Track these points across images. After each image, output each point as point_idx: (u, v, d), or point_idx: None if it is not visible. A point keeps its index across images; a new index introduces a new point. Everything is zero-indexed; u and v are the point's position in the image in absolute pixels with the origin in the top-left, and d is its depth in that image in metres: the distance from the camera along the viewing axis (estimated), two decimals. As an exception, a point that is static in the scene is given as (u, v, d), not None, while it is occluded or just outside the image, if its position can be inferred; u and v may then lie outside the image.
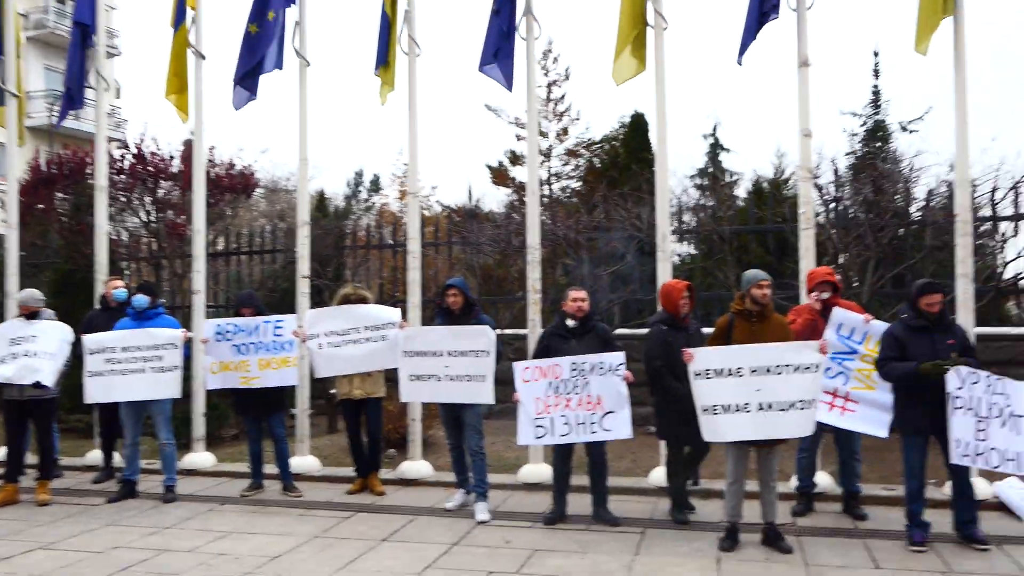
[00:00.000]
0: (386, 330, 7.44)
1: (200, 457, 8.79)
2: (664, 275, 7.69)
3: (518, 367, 6.56)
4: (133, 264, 13.26)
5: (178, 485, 7.68)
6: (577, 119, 18.95)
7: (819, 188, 9.90)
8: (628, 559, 5.62)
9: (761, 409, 5.71)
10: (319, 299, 9.83)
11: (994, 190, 10.01)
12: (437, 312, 7.37)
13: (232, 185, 12.99)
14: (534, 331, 7.97)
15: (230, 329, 7.76)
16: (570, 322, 6.57)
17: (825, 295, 6.55)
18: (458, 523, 6.62)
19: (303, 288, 8.75)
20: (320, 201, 18.90)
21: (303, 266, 8.78)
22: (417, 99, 8.46)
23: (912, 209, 10.80)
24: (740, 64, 7.69)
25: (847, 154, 16.24)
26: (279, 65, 8.82)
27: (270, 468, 7.90)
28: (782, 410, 5.70)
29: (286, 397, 8.13)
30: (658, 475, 7.53)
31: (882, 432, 6.47)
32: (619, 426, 6.25)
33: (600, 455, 6.60)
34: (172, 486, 7.60)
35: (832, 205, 10.69)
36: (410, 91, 8.47)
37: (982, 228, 10.47)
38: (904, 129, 16.12)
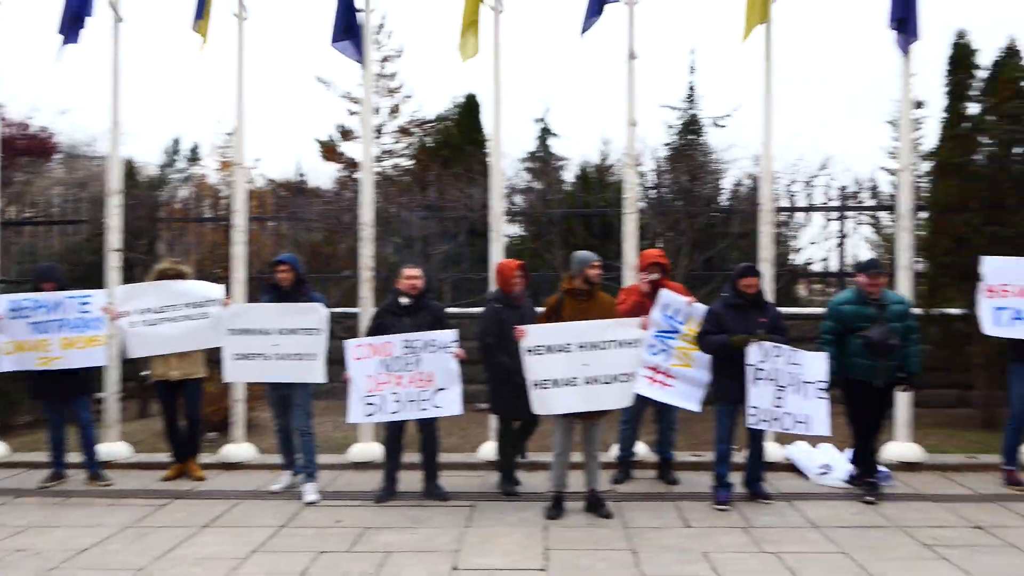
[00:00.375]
0: (207, 307, 7.06)
1: (-11, 447, 7.97)
2: (497, 255, 7.85)
3: (350, 345, 6.46)
4: None
5: (-37, 478, 6.93)
6: (410, 97, 18.78)
7: (641, 175, 10.44)
8: (458, 532, 5.73)
9: (587, 383, 5.99)
10: (130, 275, 9.13)
11: (791, 183, 11.04)
12: (265, 289, 7.11)
13: (28, 148, 11.81)
14: (366, 309, 7.88)
15: (27, 305, 7.05)
16: (404, 300, 6.55)
17: (654, 276, 6.96)
18: (286, 505, 6.45)
19: (113, 262, 8.11)
20: (130, 169, 17.55)
21: (114, 238, 8.13)
22: (245, 65, 8.06)
23: (721, 199, 11.70)
24: (582, 36, 7.91)
25: (665, 144, 17.31)
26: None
27: (75, 457, 7.30)
28: (606, 383, 6.00)
29: (92, 379, 7.50)
30: (487, 450, 7.71)
31: (695, 407, 6.96)
32: (450, 403, 6.33)
33: (432, 432, 6.66)
34: (-44, 480, 6.84)
35: (652, 192, 11.34)
36: (239, 57, 8.05)
37: (779, 218, 11.54)
38: (715, 124, 17.35)
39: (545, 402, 6.03)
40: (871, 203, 11.69)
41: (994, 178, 8.91)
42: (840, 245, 11.27)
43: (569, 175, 15.28)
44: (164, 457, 7.55)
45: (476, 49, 7.95)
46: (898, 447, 7.48)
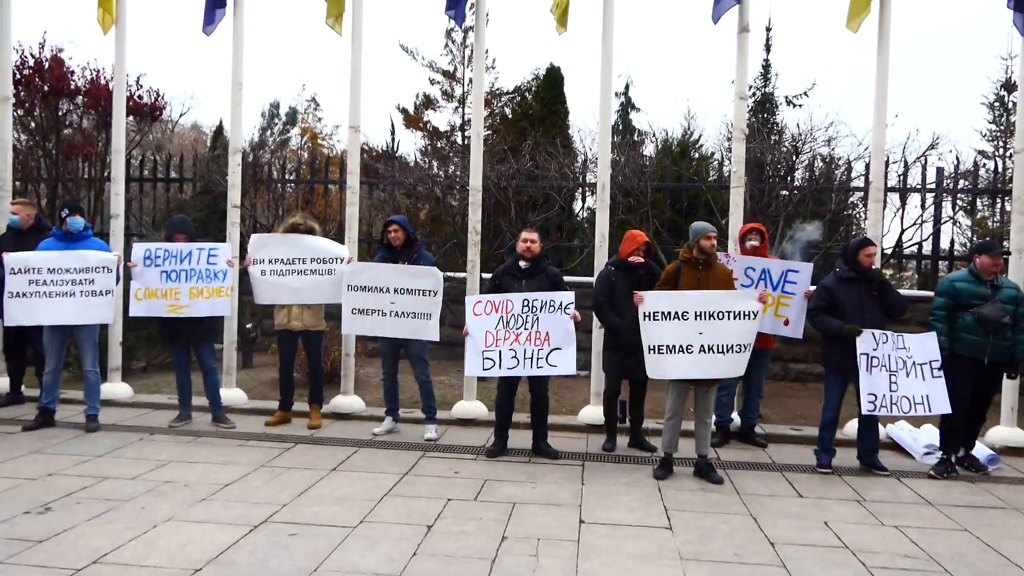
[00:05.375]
0: (333, 264, 7.29)
1: (118, 387, 8.38)
2: (602, 223, 7.88)
3: (470, 301, 6.61)
4: (29, 185, 12.23)
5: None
6: (492, 67, 18.77)
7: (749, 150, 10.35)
8: (575, 488, 5.85)
9: (702, 351, 6.02)
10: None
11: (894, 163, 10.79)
12: (379, 247, 7.31)
13: (138, 108, 12.17)
14: (473, 272, 8.01)
15: (160, 255, 7.35)
16: (522, 263, 6.66)
17: (754, 243, 7.23)
18: (402, 455, 6.66)
19: (233, 217, 8.38)
20: (219, 132, 17.98)
21: (234, 195, 8.40)
22: (363, 28, 8.17)
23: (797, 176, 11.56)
24: (715, 23, 7.83)
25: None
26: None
27: (197, 400, 7.64)
28: (720, 352, 6.02)
29: (216, 328, 7.82)
30: (587, 413, 7.81)
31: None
32: (564, 362, 6.42)
33: (543, 392, 6.79)
34: (95, 415, 7.21)
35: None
36: (354, 20, 8.17)
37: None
38: (789, 103, 16.97)
39: (659, 367, 6.08)
40: (967, 186, 11.36)
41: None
42: (937, 229, 10.99)
43: (650, 149, 15.22)
44: (277, 405, 7.83)
45: (564, 23, 7.95)
46: (1003, 431, 7.35)
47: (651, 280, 6.58)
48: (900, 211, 11.11)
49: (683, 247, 6.40)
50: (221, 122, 17.98)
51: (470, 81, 18.90)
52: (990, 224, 12.43)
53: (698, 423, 6.29)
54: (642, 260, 6.71)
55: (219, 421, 7.47)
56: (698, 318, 6.03)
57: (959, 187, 11.10)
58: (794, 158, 11.48)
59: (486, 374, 6.56)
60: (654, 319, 6.06)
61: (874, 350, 6.30)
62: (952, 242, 11.28)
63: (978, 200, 11.89)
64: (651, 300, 6.09)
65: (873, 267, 6.53)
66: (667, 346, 6.04)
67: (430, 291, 6.96)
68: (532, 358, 6.41)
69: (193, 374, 7.58)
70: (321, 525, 4.85)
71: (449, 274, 8.28)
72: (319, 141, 22.27)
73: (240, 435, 7.15)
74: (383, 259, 7.27)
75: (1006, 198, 11.12)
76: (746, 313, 6.02)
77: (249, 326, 10.69)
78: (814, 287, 6.91)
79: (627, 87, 18.30)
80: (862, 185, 10.97)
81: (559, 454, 6.72)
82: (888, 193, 10.96)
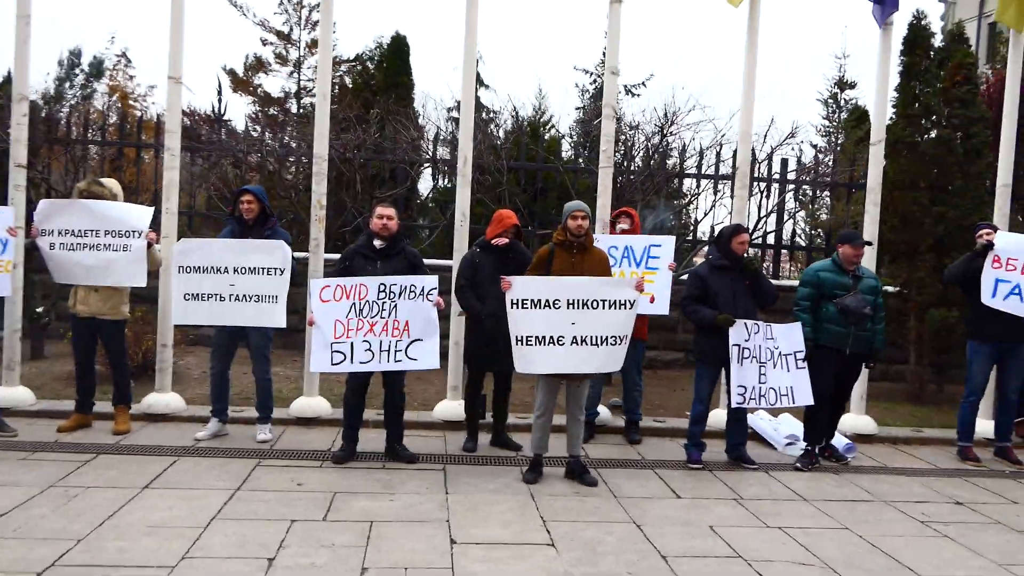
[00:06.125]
0: (130, 239, 6.06)
1: None
2: (463, 200, 7.20)
3: (316, 284, 5.72)
4: None
5: None
6: (333, 32, 17.44)
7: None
8: (440, 498, 5.16)
9: (575, 343, 5.51)
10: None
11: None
12: (227, 220, 6.25)
13: None
14: (317, 252, 7.06)
15: (-88, 220, 5.85)
16: (377, 242, 5.84)
17: (624, 226, 7.00)
18: (231, 464, 5.67)
19: (17, 180, 6.89)
20: (6, 83, 15.47)
21: (19, 152, 6.90)
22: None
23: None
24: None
25: (576, 108, 17.03)
26: None
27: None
28: (595, 345, 5.54)
29: (-10, 312, 6.38)
30: (445, 409, 7.14)
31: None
32: (426, 355, 5.72)
33: (399, 387, 6.04)
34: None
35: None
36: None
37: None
38: (628, 92, 17.12)
39: (528, 359, 5.51)
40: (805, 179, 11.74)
41: (942, 159, 9.01)
42: (781, 219, 11.24)
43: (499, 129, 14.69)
44: (72, 406, 6.53)
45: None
46: (853, 419, 7.45)
47: (520, 265, 5.99)
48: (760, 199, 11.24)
49: (556, 229, 5.86)
50: (10, 72, 15.50)
51: (307, 45, 17.55)
52: (822, 217, 12.96)
53: (570, 420, 5.79)
54: (507, 241, 6.11)
55: (-3, 428, 6.11)
56: (571, 306, 5.50)
57: (807, 179, 11.40)
58: (637, 142, 11.36)
59: (335, 369, 5.70)
60: (523, 307, 5.47)
61: (746, 341, 6.12)
62: (793, 233, 11.61)
63: (816, 193, 12.37)
64: (520, 286, 5.49)
65: (745, 255, 6.32)
66: (536, 337, 5.47)
67: (276, 269, 5.99)
68: (389, 351, 5.64)
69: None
70: (130, 567, 3.85)
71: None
72: (130, 101, 19.90)
73: (24, 445, 5.84)
74: (231, 235, 6.20)
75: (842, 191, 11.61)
76: (622, 302, 5.56)
77: (40, 309, 9.06)
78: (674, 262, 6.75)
79: (476, 62, 17.65)
80: (724, 172, 10.99)
81: (416, 457, 6.00)
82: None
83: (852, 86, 16.88)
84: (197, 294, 5.99)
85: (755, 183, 11.16)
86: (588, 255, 5.73)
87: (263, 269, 5.92)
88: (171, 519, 4.50)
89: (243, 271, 5.93)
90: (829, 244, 11.46)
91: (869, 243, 6.72)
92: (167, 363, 6.98)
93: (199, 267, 5.97)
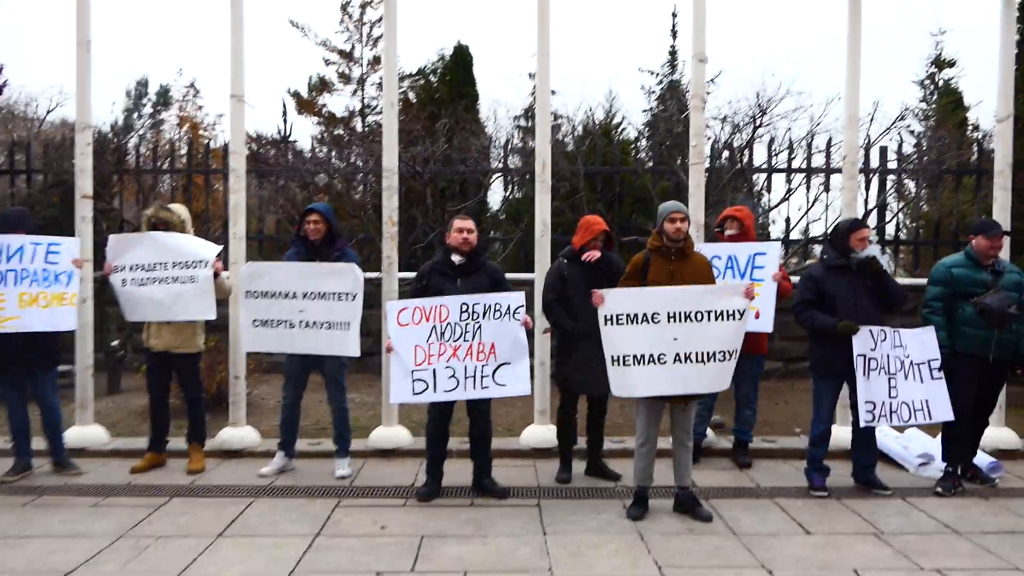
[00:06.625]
0: (196, 269, 5.75)
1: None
2: (543, 207, 6.69)
3: (392, 307, 5.27)
4: None
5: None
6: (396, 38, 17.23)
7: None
8: (538, 540, 4.62)
9: (678, 361, 4.89)
10: (96, 230, 7.71)
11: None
12: (292, 242, 5.89)
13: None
14: (391, 271, 6.66)
15: (-22, 249, 5.65)
16: (456, 258, 5.37)
17: (732, 231, 6.29)
18: (310, 505, 5.26)
19: (83, 211, 6.71)
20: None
21: (84, 182, 6.72)
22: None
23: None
24: None
25: (643, 111, 16.34)
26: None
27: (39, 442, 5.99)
28: (701, 362, 4.91)
29: (57, 348, 6.12)
30: (533, 435, 6.62)
31: None
32: (515, 380, 5.19)
33: (485, 415, 5.53)
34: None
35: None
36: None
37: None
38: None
39: (625, 382, 4.92)
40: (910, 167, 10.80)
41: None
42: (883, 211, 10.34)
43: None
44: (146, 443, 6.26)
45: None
46: (992, 432, 6.56)
47: (613, 276, 5.43)
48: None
49: (651, 234, 5.27)
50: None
51: (369, 62, 17.44)
52: (925, 208, 11.97)
53: (677, 447, 5.17)
54: (598, 255, 5.57)
55: (62, 466, 5.89)
56: (671, 320, 4.89)
57: (915, 167, 10.46)
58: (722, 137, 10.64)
59: (418, 400, 5.23)
60: (617, 323, 4.90)
61: (872, 350, 5.38)
62: (897, 227, 10.71)
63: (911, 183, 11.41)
64: (613, 299, 4.91)
65: (866, 252, 5.59)
66: (635, 356, 4.88)
67: (347, 294, 5.58)
68: (475, 376, 5.14)
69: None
70: (200, 635, 3.45)
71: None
72: (200, 132, 20.16)
73: (96, 488, 5.56)
74: (296, 257, 5.84)
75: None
76: (731, 312, 4.92)
77: (115, 343, 8.94)
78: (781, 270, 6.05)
79: (549, 60, 17.18)
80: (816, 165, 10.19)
81: (508, 492, 5.49)
82: (831, 174, 10.24)
83: (951, 64, 15.67)
84: (266, 320, 5.64)
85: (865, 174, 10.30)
86: (688, 261, 5.12)
87: (334, 294, 5.53)
88: (246, 575, 4.09)
89: (312, 296, 5.54)
90: (938, 236, 10.50)
91: (1008, 233, 5.90)
92: (241, 396, 6.66)
93: (268, 292, 5.63)
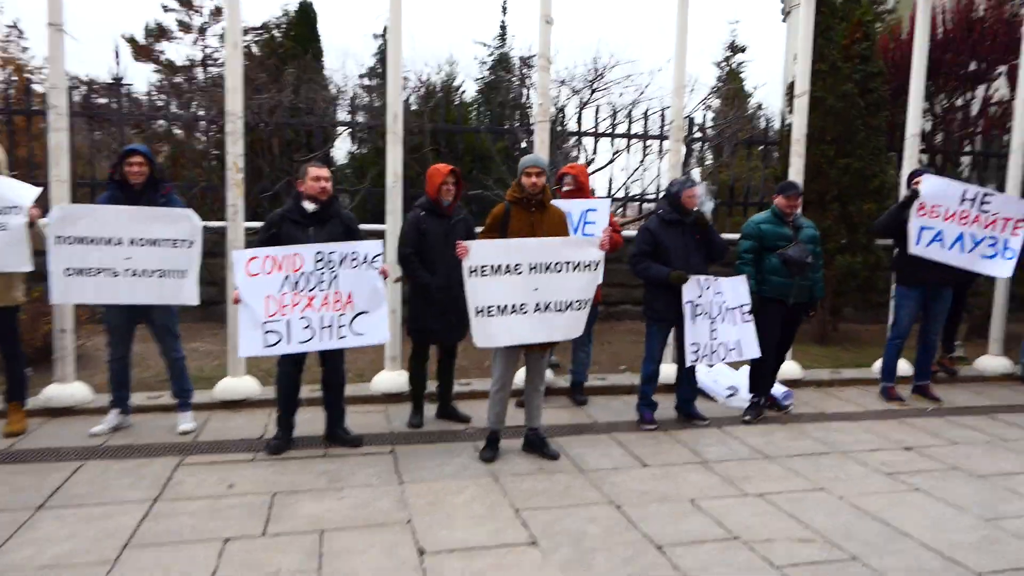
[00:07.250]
0: (6, 216, 4.58)
1: None
2: (395, 159, 6.00)
3: (240, 257, 4.43)
4: None
5: None
6: (236, -2, 15.38)
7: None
8: (395, 490, 4.10)
9: (538, 310, 4.51)
10: None
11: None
12: (108, 185, 4.79)
13: None
14: (236, 219, 5.72)
15: None
16: (309, 205, 4.60)
17: (568, 188, 5.99)
18: (149, 465, 4.41)
19: None
20: None
21: None
22: None
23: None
24: None
25: (476, 79, 15.78)
26: None
27: None
28: (559, 311, 4.56)
29: None
30: (385, 381, 6.03)
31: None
32: (374, 329, 4.57)
33: (339, 364, 4.88)
34: None
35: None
36: None
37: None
38: (525, 64, 16.01)
39: (488, 332, 4.46)
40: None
41: (846, 113, 8.43)
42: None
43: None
44: (-41, 403, 5.05)
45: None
46: (784, 365, 6.78)
47: (468, 227, 4.89)
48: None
49: (512, 185, 4.78)
50: None
51: (211, 12, 15.45)
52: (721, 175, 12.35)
53: (531, 392, 4.80)
54: (453, 193, 5.01)
55: None
56: (533, 271, 4.47)
57: (726, 136, 10.61)
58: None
59: (270, 352, 4.46)
60: (482, 274, 4.40)
61: (699, 297, 5.29)
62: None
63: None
64: (478, 251, 4.40)
65: (696, 209, 5.43)
66: (498, 306, 4.43)
67: (184, 240, 4.66)
68: (332, 326, 4.47)
69: None
70: (8, 635, 2.64)
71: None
72: (25, 75, 17.12)
73: None
74: (113, 201, 4.74)
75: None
76: (587, 263, 4.58)
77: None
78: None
79: (385, 30, 16.00)
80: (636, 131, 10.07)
81: (361, 440, 4.89)
82: (650, 140, 10.23)
83: (743, 50, 16.35)
84: (82, 269, 4.59)
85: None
86: (547, 213, 4.68)
87: (168, 241, 4.59)
88: (70, 554, 3.25)
89: (142, 243, 4.57)
90: (732, 198, 10.85)
91: (799, 193, 5.94)
92: (68, 350, 5.52)
93: (84, 238, 4.56)
